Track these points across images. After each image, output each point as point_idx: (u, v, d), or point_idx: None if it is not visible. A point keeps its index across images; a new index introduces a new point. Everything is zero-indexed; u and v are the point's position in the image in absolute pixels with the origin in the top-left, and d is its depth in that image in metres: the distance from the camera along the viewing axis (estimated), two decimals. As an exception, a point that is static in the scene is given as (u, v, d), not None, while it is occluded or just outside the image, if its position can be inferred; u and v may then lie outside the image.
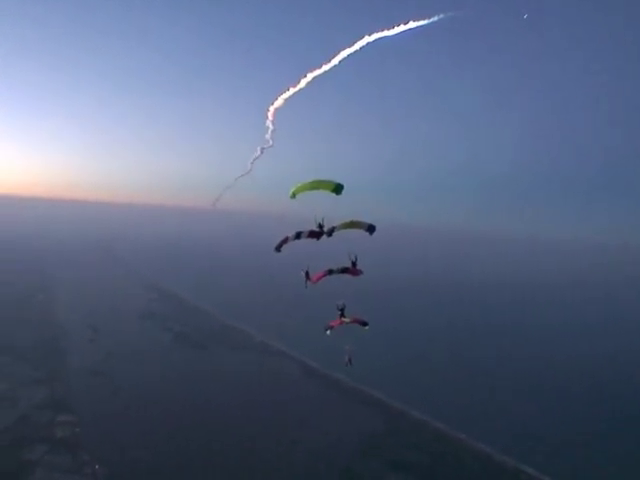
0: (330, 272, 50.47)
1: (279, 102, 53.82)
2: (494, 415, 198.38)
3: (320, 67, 52.16)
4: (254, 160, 53.23)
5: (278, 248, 49.07)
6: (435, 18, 48.90)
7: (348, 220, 47.63)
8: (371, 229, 48.61)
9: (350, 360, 64.20)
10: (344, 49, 51.72)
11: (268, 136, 54.79)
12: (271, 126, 54.35)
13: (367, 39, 50.60)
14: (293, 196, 46.08)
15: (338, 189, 45.62)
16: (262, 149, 53.83)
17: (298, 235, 47.17)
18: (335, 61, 50.83)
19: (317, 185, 45.34)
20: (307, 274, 50.50)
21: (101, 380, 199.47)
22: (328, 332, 53.31)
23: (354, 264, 51.00)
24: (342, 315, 53.40)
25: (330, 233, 47.13)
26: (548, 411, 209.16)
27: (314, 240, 47.42)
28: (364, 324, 54.20)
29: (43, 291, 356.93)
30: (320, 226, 46.76)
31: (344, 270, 51.22)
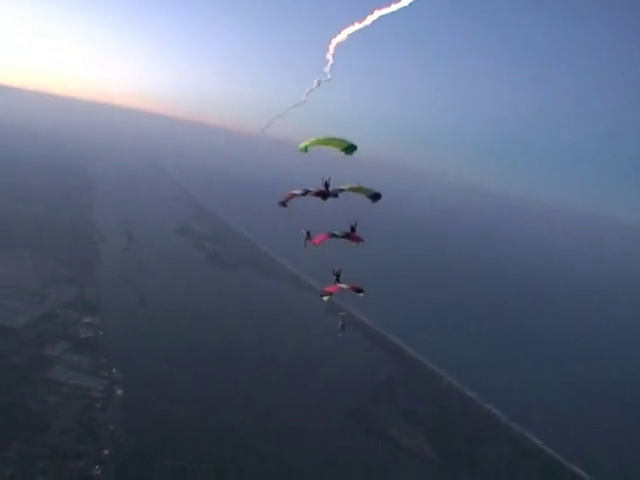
0: (333, 235, 48.23)
1: (342, 36, 51.26)
2: (510, 381, 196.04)
3: (389, 6, 49.18)
4: (310, 91, 50.39)
5: (283, 203, 46.98)
6: None
7: (355, 184, 46.21)
8: (375, 197, 46.76)
9: (343, 326, 61.90)
10: None
11: (327, 69, 51.94)
12: (331, 60, 51.74)
13: None
14: (305, 150, 44.33)
15: (349, 149, 43.97)
16: (319, 82, 50.99)
17: (305, 192, 45.33)
18: (405, 2, 48.97)
19: (329, 142, 43.83)
20: (308, 234, 48.33)
21: (130, 288, 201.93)
22: (325, 299, 51.04)
23: (353, 229, 48.83)
24: (337, 280, 51.22)
25: (336, 194, 45.22)
26: (566, 386, 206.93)
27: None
28: (360, 291, 51.70)
29: (85, 194, 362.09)
30: (326, 185, 44.89)
31: (347, 235, 48.91)
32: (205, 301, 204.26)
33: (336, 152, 44.72)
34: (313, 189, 44.95)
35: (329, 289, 50.62)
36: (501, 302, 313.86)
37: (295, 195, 45.58)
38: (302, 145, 44.06)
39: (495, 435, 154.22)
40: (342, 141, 43.70)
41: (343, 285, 50.46)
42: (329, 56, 52.58)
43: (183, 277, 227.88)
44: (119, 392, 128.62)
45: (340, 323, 62.40)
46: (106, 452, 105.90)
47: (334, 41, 51.85)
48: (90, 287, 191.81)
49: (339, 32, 51.15)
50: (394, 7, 49.22)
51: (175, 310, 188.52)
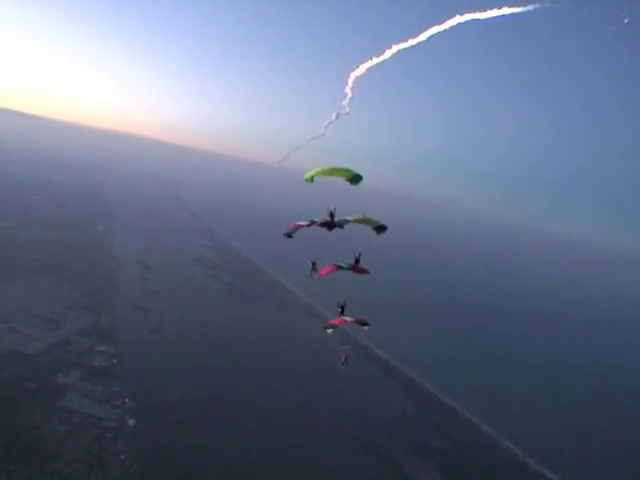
0: (339, 267, 47.74)
1: (361, 70, 51.71)
2: (526, 416, 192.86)
3: (407, 41, 49.66)
4: (328, 124, 50.52)
5: (289, 234, 46.67)
6: (530, 7, 46.18)
7: (361, 215, 46.02)
8: (381, 229, 46.47)
9: (346, 360, 61.05)
10: (434, 26, 49.17)
11: (345, 102, 52.21)
12: (350, 93, 51.97)
13: (458, 19, 47.97)
14: (311, 180, 44.14)
15: (354, 179, 44.01)
16: (338, 115, 51.21)
17: (311, 223, 45.12)
18: (423, 37, 50.12)
19: (334, 172, 43.78)
20: (314, 264, 47.83)
21: (145, 317, 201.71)
22: (329, 331, 50.37)
23: (357, 261, 48.39)
24: (342, 313, 50.62)
25: (342, 226, 45.15)
26: (588, 422, 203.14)
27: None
28: (364, 324, 50.98)
29: (105, 222, 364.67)
30: (331, 215, 44.68)
31: (352, 267, 48.45)
32: (220, 331, 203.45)
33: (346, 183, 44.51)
34: (319, 220, 44.89)
35: (333, 322, 50.12)
36: (515, 332, 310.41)
37: (301, 226, 45.34)
38: (308, 175, 44.09)
39: (510, 471, 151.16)
40: (347, 171, 43.70)
41: (347, 318, 49.97)
42: (348, 90, 52.91)
43: (198, 307, 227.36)
44: (131, 422, 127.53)
45: (343, 356, 61.43)
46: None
47: (353, 75, 52.23)
48: (105, 315, 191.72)
49: (357, 66, 51.55)
50: (412, 42, 49.72)
51: (189, 340, 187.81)
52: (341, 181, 44.08)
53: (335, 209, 44.65)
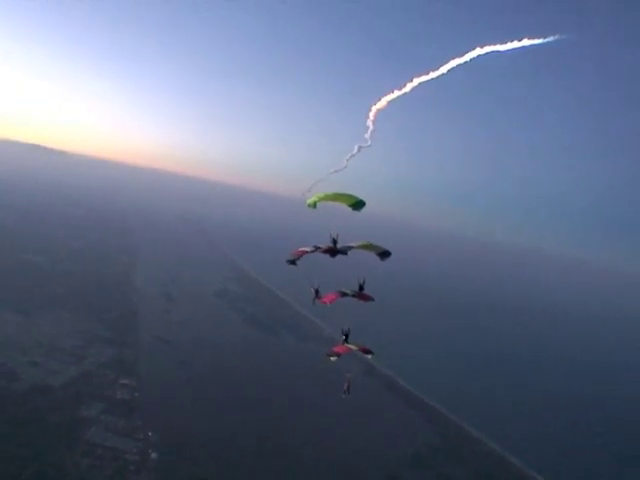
0: (344, 294, 46.90)
1: (382, 103, 51.88)
2: (552, 447, 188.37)
3: (427, 74, 49.86)
4: (350, 157, 50.43)
5: (293, 261, 45.96)
6: (550, 38, 46.05)
7: (365, 242, 45.63)
8: (384, 255, 45.78)
9: (349, 388, 59.54)
10: (454, 58, 49.17)
11: (367, 135, 52.21)
12: (371, 126, 52.10)
13: (478, 51, 48.24)
14: (314, 206, 43.64)
15: (357, 205, 43.40)
16: (359, 147, 51.24)
17: (314, 249, 44.50)
18: (443, 69, 50.11)
19: (337, 198, 43.28)
20: (317, 292, 47.02)
21: (168, 350, 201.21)
22: (332, 359, 49.38)
23: (361, 288, 47.54)
24: (346, 340, 49.72)
25: (345, 252, 44.42)
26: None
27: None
28: (368, 352, 49.99)
29: (128, 254, 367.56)
30: (334, 242, 44.03)
31: (356, 294, 47.63)
32: (242, 363, 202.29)
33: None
34: (322, 246, 44.16)
35: (337, 350, 49.17)
36: (539, 358, 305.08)
37: (305, 252, 44.67)
38: (310, 201, 43.45)
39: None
40: (350, 197, 43.12)
41: (352, 346, 49.11)
42: (369, 122, 52.92)
43: (222, 340, 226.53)
44: (154, 455, 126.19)
45: (345, 385, 59.81)
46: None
47: (374, 108, 52.35)
48: (128, 348, 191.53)
49: (379, 99, 51.70)
50: (433, 74, 49.79)
51: (212, 372, 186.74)
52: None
53: (338, 235, 43.98)
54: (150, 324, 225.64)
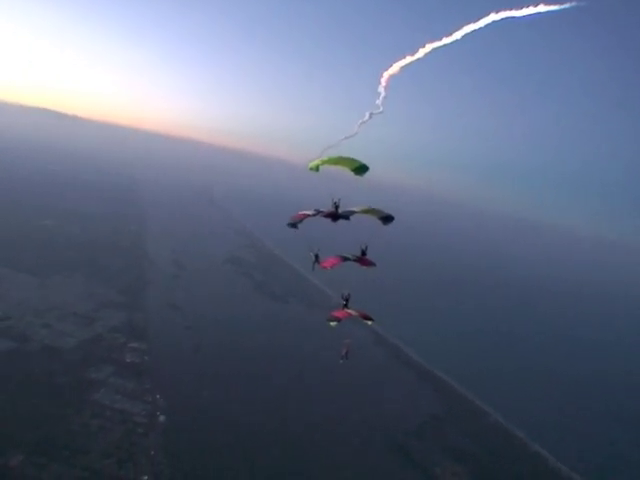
0: (345, 259, 46.17)
1: (394, 69, 51.03)
2: (559, 423, 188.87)
3: (441, 39, 48.89)
4: (361, 124, 49.64)
5: (294, 224, 45.27)
6: (567, 5, 45.03)
7: (366, 206, 45.03)
8: (387, 219, 45.59)
9: (347, 354, 59.14)
10: (468, 24, 47.83)
11: (379, 102, 51.40)
12: (383, 92, 51.32)
13: (493, 17, 47.47)
14: (316, 169, 43.07)
15: (359, 169, 42.74)
16: (371, 114, 50.40)
17: (316, 213, 43.82)
18: (457, 35, 49.05)
19: (340, 162, 42.47)
20: (317, 257, 46.33)
21: (178, 315, 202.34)
22: (332, 324, 48.70)
23: (364, 253, 46.82)
24: (346, 305, 49.07)
25: (347, 217, 44.23)
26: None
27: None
28: (369, 319, 49.36)
29: (138, 222, 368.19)
30: (336, 206, 43.66)
31: (358, 259, 46.89)
32: (251, 331, 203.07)
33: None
34: (324, 210, 43.88)
35: (337, 314, 48.64)
36: (550, 335, 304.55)
37: (307, 216, 44.18)
38: (313, 164, 42.97)
39: (542, 476, 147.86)
40: (353, 161, 42.50)
41: (352, 311, 48.63)
42: (381, 89, 51.95)
43: (231, 307, 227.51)
44: (162, 418, 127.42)
45: (344, 350, 59.56)
46: (145, 478, 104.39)
47: (386, 74, 51.39)
48: (138, 312, 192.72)
49: (391, 65, 50.84)
50: (447, 40, 48.92)
51: (222, 340, 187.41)
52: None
53: (339, 200, 43.65)
54: (160, 290, 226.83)
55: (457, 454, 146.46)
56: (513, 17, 48.00)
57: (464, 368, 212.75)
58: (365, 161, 42.64)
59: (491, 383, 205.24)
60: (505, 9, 47.13)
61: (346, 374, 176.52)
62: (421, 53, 49.71)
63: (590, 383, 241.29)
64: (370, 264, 46.70)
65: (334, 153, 43.21)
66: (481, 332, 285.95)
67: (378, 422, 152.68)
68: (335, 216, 43.55)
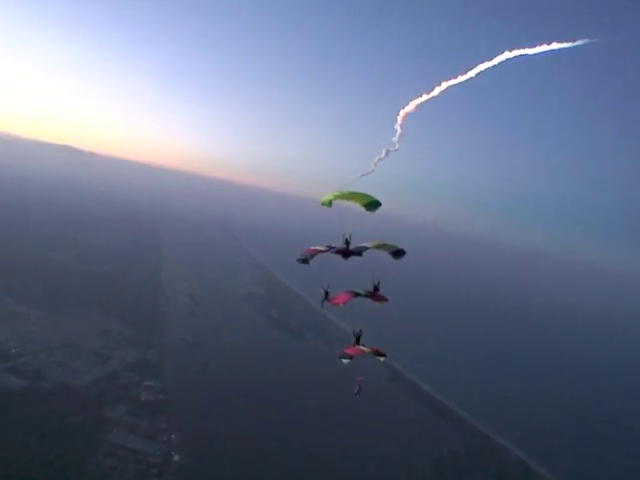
0: (356, 295, 44.82)
1: (410, 107, 51.36)
2: (581, 457, 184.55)
3: (456, 77, 48.98)
4: (378, 161, 49.61)
5: (305, 260, 44.15)
6: (579, 42, 46.01)
7: (378, 241, 44.24)
8: (398, 254, 44.20)
9: (359, 391, 57.56)
10: (482, 62, 48.98)
11: (395, 139, 51.47)
12: (399, 130, 51.46)
13: (507, 55, 48.30)
14: (329, 204, 41.90)
15: (371, 205, 41.94)
16: (387, 151, 50.38)
17: (328, 249, 42.88)
18: (472, 73, 49.58)
19: (352, 197, 41.93)
20: (327, 294, 44.98)
21: (194, 352, 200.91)
22: (344, 361, 47.15)
23: (376, 289, 45.43)
24: (357, 342, 47.63)
25: (360, 253, 42.89)
26: None
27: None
28: (381, 355, 47.88)
29: (155, 256, 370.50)
30: (347, 242, 42.43)
31: (370, 295, 45.58)
32: (268, 367, 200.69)
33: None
34: (336, 246, 42.64)
35: (349, 351, 47.03)
36: (566, 366, 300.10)
37: (318, 251, 43.14)
38: (325, 199, 41.93)
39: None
40: (365, 196, 41.76)
41: (365, 348, 47.12)
42: (397, 126, 52.01)
43: (248, 343, 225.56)
44: (176, 458, 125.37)
45: (357, 387, 58.06)
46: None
47: (402, 112, 51.57)
48: (153, 349, 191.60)
49: (407, 103, 51.12)
50: (461, 78, 49.28)
51: (237, 376, 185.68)
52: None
53: (351, 236, 42.56)
54: (176, 326, 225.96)
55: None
56: (526, 55, 48.49)
57: (480, 401, 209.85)
58: (379, 196, 42.06)
59: (508, 417, 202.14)
60: (519, 47, 47.51)
61: (362, 409, 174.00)
62: (437, 91, 50.02)
63: (609, 410, 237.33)
64: (382, 300, 45.39)
65: (349, 189, 42.69)
66: (494, 361, 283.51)
67: (396, 460, 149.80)
68: (346, 253, 42.61)
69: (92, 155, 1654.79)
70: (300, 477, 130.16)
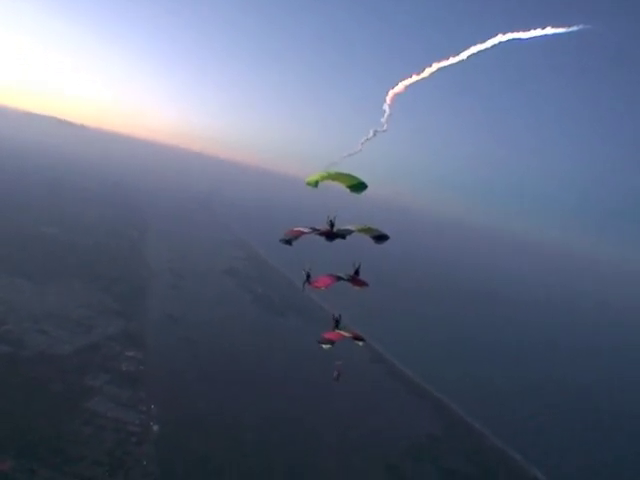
0: (338, 279, 44.78)
1: (400, 87, 51.06)
2: (558, 444, 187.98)
3: (447, 59, 49.15)
4: (365, 141, 49.40)
5: (288, 241, 44.05)
6: (574, 28, 45.58)
7: (362, 225, 43.75)
8: (380, 238, 43.75)
9: (338, 376, 57.93)
10: (475, 45, 48.57)
11: (383, 120, 51.39)
12: (388, 110, 51.31)
13: (500, 38, 47.62)
14: (315, 184, 41.30)
15: (356, 187, 41.32)
16: (375, 132, 50.11)
17: (311, 231, 42.80)
18: (463, 56, 48.84)
19: (337, 178, 41.12)
20: (308, 276, 44.92)
21: (175, 325, 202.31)
22: (325, 347, 47.23)
23: (357, 272, 45.65)
24: (337, 326, 47.83)
25: (344, 236, 42.62)
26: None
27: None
28: (360, 339, 48.28)
29: (139, 230, 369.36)
30: (331, 224, 42.14)
31: (351, 279, 45.62)
32: (249, 343, 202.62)
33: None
34: (320, 228, 42.43)
35: (330, 336, 46.88)
36: (548, 350, 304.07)
37: (302, 233, 42.84)
38: (311, 179, 41.47)
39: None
40: (351, 178, 41.16)
41: (344, 332, 47.24)
42: (386, 107, 52.02)
43: (229, 319, 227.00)
44: (155, 428, 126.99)
45: (336, 373, 58.29)
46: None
47: (392, 92, 51.49)
48: (136, 321, 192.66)
49: (397, 84, 51.07)
50: (453, 60, 49.22)
51: (218, 350, 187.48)
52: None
53: (335, 218, 42.26)
54: (158, 299, 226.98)
55: (452, 476, 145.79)
56: (520, 39, 48.75)
57: (460, 385, 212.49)
58: (366, 178, 42.02)
59: (488, 400, 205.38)
60: (512, 31, 47.84)
61: (341, 390, 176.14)
62: (427, 72, 49.89)
63: (590, 394, 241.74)
64: (363, 284, 45.26)
65: (336, 169, 42.50)
66: (477, 345, 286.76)
67: (374, 441, 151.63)
68: (330, 235, 42.67)
69: (83, 128, 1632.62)
70: (278, 453, 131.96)
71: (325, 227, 42.27)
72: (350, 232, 42.93)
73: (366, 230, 43.71)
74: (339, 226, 42.90)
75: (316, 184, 41.63)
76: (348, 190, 41.59)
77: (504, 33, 48.32)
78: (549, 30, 46.61)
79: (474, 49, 48.73)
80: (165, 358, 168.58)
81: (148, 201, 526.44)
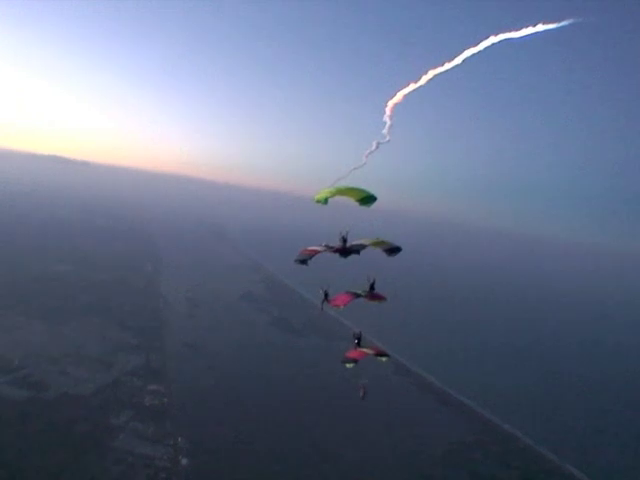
0: (357, 296, 43.99)
1: (398, 97, 51.04)
2: (592, 441, 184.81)
3: (442, 65, 49.39)
4: (369, 154, 49.23)
5: (304, 261, 43.28)
6: (564, 22, 45.88)
7: (375, 239, 43.74)
8: (393, 251, 43.94)
9: (364, 395, 57.22)
10: (468, 48, 49.24)
11: (385, 131, 51.21)
12: (389, 121, 51.19)
13: (492, 39, 48.09)
14: (324, 201, 41.36)
15: (365, 200, 41.14)
16: (378, 143, 49.92)
17: (326, 249, 42.23)
18: (458, 60, 49.75)
19: (346, 192, 41.14)
20: (326, 295, 44.24)
21: (196, 354, 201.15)
22: (348, 366, 46.45)
23: (372, 287, 44.85)
24: (359, 344, 46.92)
25: (358, 251, 42.61)
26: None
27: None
28: (383, 355, 47.35)
29: (152, 262, 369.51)
30: (344, 240, 42.06)
31: (368, 294, 44.79)
32: (271, 366, 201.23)
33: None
34: (335, 246, 42.30)
35: (353, 355, 46.21)
36: (573, 349, 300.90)
37: (316, 252, 42.56)
38: (320, 196, 41.27)
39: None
40: (360, 191, 40.98)
41: (367, 350, 46.47)
42: (386, 118, 51.84)
43: (249, 343, 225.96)
44: (184, 461, 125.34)
45: (362, 391, 57.59)
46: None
47: (390, 103, 51.42)
48: (155, 354, 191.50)
49: (395, 94, 51.01)
50: (448, 66, 49.59)
51: (241, 376, 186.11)
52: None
53: (347, 233, 42.10)
54: (177, 330, 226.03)
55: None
56: (511, 38, 48.40)
57: (487, 390, 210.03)
58: (374, 190, 41.54)
59: (515, 403, 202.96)
60: (504, 31, 47.44)
61: (368, 404, 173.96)
62: (423, 80, 49.90)
63: (617, 393, 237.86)
64: (380, 298, 44.85)
65: (344, 184, 42.17)
66: (499, 349, 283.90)
67: (402, 451, 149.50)
68: (344, 251, 42.04)
69: (84, 164, 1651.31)
70: (310, 475, 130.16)
71: (338, 244, 41.79)
72: (363, 247, 42.93)
73: (379, 243, 43.80)
74: (351, 241, 42.54)
75: (326, 201, 41.29)
76: (357, 204, 41.28)
77: (496, 34, 48.19)
78: (540, 27, 46.32)
79: (468, 52, 48.61)
80: (188, 389, 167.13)
81: (160, 233, 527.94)
